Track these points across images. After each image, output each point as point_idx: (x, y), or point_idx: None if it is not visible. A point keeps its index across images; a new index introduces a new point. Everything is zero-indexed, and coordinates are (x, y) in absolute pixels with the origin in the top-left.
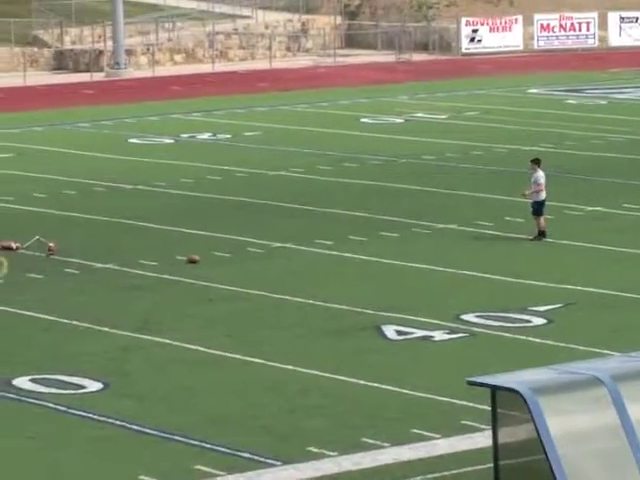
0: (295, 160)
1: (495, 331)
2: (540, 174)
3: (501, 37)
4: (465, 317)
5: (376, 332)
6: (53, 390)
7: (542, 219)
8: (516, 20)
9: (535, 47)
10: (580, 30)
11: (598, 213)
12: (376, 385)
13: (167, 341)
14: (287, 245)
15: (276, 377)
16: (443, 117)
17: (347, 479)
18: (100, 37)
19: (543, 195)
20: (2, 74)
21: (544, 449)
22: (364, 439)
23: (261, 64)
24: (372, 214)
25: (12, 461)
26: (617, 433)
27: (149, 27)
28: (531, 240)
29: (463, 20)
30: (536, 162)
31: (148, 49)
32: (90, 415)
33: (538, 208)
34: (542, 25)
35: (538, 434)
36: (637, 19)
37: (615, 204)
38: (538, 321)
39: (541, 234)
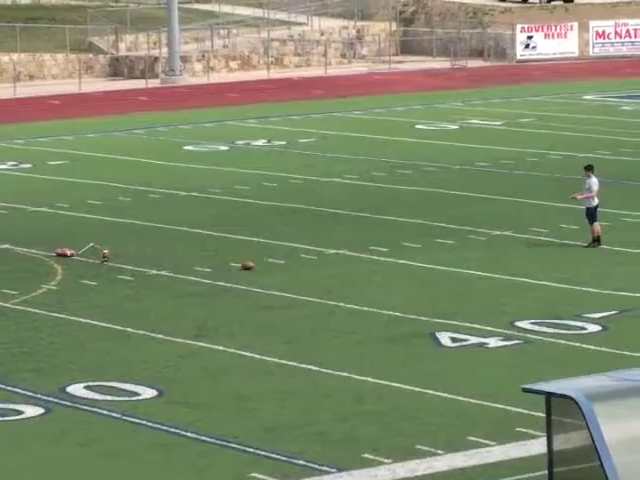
0: (350, 167)
1: (550, 338)
2: (594, 180)
3: (556, 44)
4: (520, 324)
5: (430, 339)
6: (108, 397)
7: (597, 225)
8: (571, 27)
9: (590, 54)
10: (635, 37)
11: None
12: (430, 392)
13: (222, 348)
14: (341, 252)
15: (331, 384)
16: (498, 124)
17: None
18: (155, 44)
19: (596, 201)
20: (58, 80)
21: (599, 456)
22: (418, 446)
23: (316, 71)
24: (427, 221)
25: (66, 469)
26: None
27: (204, 34)
28: (586, 247)
29: (518, 27)
30: (590, 169)
31: (203, 56)
32: (145, 422)
33: (591, 214)
34: (597, 32)
35: (593, 441)
36: None
37: None
38: (593, 328)
39: (596, 240)
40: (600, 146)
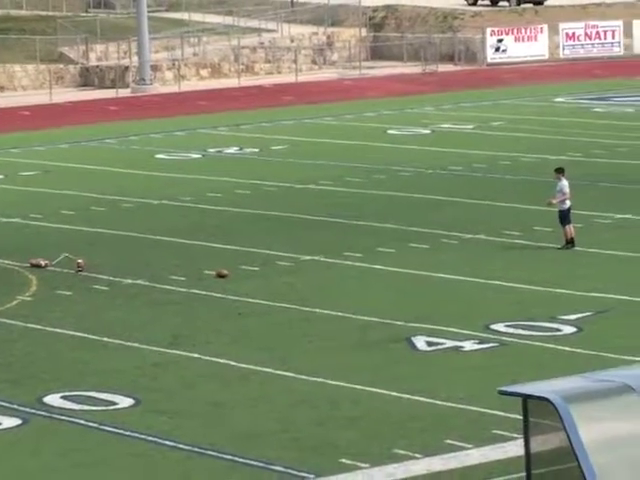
0: (323, 173)
1: (525, 340)
2: (564, 183)
3: (526, 47)
4: (495, 327)
5: (406, 343)
6: (85, 407)
7: (570, 227)
8: (541, 29)
9: (561, 56)
10: (605, 38)
11: (627, 221)
12: (407, 396)
13: (197, 356)
14: (316, 258)
15: (306, 390)
16: (470, 127)
17: None
18: (125, 53)
19: (568, 203)
20: (28, 91)
21: (576, 458)
22: (396, 450)
23: (287, 78)
24: (401, 225)
25: (43, 479)
26: None
27: (174, 42)
28: (559, 249)
29: (488, 30)
30: (560, 171)
31: (174, 64)
32: (122, 431)
33: (564, 216)
34: (567, 34)
35: (570, 443)
36: None
37: None
38: (568, 330)
39: (570, 242)
40: (572, 148)
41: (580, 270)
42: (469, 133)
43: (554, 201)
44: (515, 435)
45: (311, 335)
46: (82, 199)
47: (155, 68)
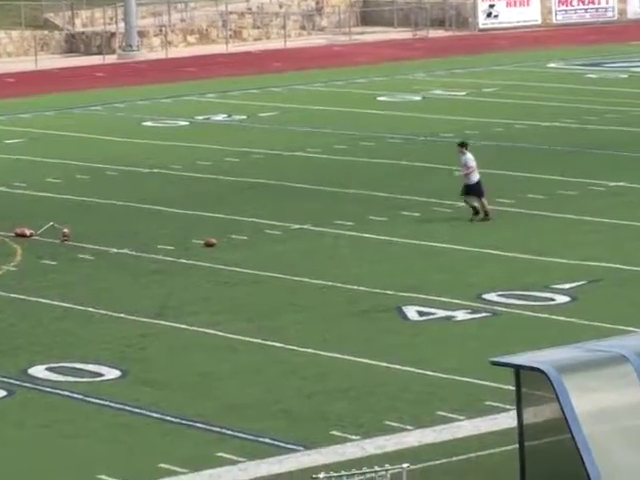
0: (312, 140)
1: (518, 310)
2: (469, 156)
3: (519, 12)
4: (487, 296)
5: (397, 313)
6: (70, 378)
7: (484, 200)
8: None
9: (553, 21)
10: (599, 3)
11: (621, 188)
12: (398, 367)
13: (185, 326)
14: (305, 227)
15: (296, 361)
16: (461, 94)
17: (371, 463)
18: (112, 19)
19: (476, 176)
20: (13, 58)
21: (570, 429)
22: (387, 422)
23: (275, 44)
24: (392, 194)
25: (29, 451)
26: None
27: (161, 8)
28: (471, 220)
29: None
30: (463, 145)
31: (161, 30)
32: (108, 403)
33: (474, 190)
34: None
35: (563, 413)
36: None
37: (638, 179)
38: (562, 299)
39: (485, 214)
40: (565, 115)
41: (574, 238)
42: (461, 99)
43: (459, 173)
44: (508, 406)
45: (300, 305)
46: (68, 167)
47: (142, 34)
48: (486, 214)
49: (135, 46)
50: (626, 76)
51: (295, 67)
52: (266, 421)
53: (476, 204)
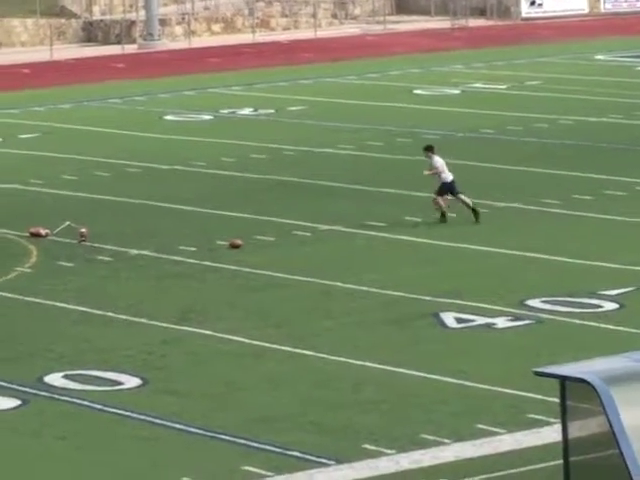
0: (344, 136)
1: (563, 317)
2: (436, 159)
3: (564, 0)
4: (530, 302)
5: (434, 320)
6: (88, 387)
7: (462, 197)
8: None
9: (601, 10)
10: None
11: None
12: (435, 377)
13: (209, 332)
14: (336, 228)
15: (327, 370)
16: (503, 87)
17: (406, 478)
18: (132, 6)
19: (448, 176)
20: (27, 48)
21: (617, 444)
22: (423, 435)
23: (305, 33)
24: (428, 193)
25: (44, 464)
26: None
27: None
28: (440, 220)
29: None
30: (429, 149)
31: (183, 18)
32: (128, 413)
33: (446, 189)
34: None
35: (611, 427)
36: None
37: None
38: (609, 306)
39: (443, 217)
40: (613, 110)
41: (621, 241)
42: (502, 93)
43: (427, 172)
44: (552, 419)
45: (332, 311)
46: (85, 163)
47: (163, 23)
48: (474, 211)
49: (156, 35)
50: None
51: (326, 58)
52: (295, 433)
53: (443, 205)
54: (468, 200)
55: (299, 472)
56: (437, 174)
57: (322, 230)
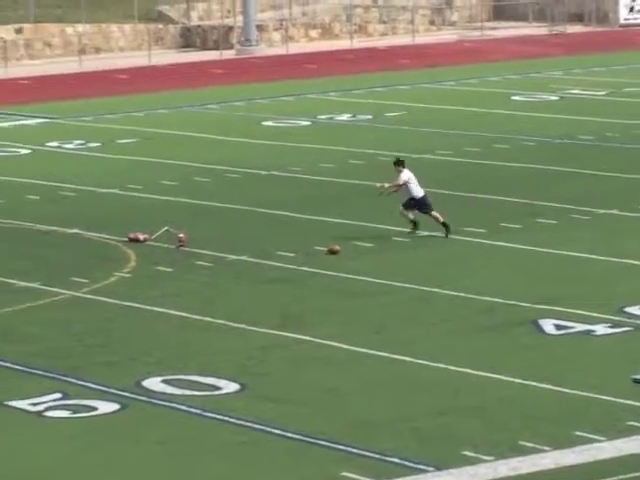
0: (441, 142)
1: None
2: (405, 173)
3: None
4: (630, 309)
5: (533, 327)
6: (186, 392)
7: (434, 214)
8: None
9: None
10: None
11: None
12: (534, 384)
13: (308, 338)
14: (434, 234)
15: (426, 376)
16: (601, 94)
17: None
18: (229, 12)
19: (419, 192)
20: (125, 53)
21: None
22: (522, 442)
23: (403, 39)
24: (526, 199)
25: (144, 468)
26: None
27: (282, 1)
28: (409, 233)
29: None
30: (399, 163)
31: (281, 24)
32: (227, 418)
33: (414, 204)
34: None
35: None
36: None
37: None
38: None
39: (414, 226)
40: None
41: None
42: (601, 100)
43: (386, 185)
44: None
45: (431, 317)
46: (184, 169)
47: (261, 28)
48: (445, 225)
49: (254, 41)
50: None
51: (423, 64)
52: (394, 440)
53: (412, 217)
54: (439, 215)
55: (398, 478)
56: (398, 189)
57: (421, 236)
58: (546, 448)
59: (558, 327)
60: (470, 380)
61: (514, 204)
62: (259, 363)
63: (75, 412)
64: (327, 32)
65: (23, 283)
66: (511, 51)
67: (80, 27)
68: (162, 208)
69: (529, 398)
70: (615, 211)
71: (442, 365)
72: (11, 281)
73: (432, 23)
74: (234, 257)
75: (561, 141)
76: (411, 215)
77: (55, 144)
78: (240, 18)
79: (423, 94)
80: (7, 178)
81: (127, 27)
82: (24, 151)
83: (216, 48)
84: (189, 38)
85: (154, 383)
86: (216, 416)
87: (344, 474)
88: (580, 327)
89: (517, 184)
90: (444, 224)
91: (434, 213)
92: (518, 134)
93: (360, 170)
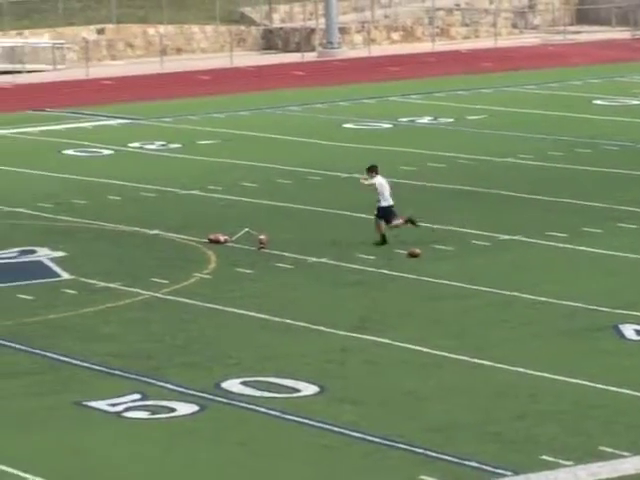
0: (524, 146)
1: None
2: (379, 180)
3: None
4: None
5: (613, 332)
6: (266, 394)
7: (382, 225)
8: None
9: None
10: None
11: None
12: (614, 389)
13: (387, 341)
14: (516, 237)
15: (506, 380)
16: None
17: None
18: (312, 14)
19: (387, 201)
20: (207, 54)
21: None
22: (602, 447)
23: (485, 42)
24: (609, 204)
25: (224, 469)
26: None
27: (364, 3)
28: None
29: None
30: (372, 169)
31: (363, 27)
32: (306, 421)
33: (381, 214)
34: None
35: None
36: None
37: None
38: None
39: (383, 239)
40: None
41: None
42: None
43: (364, 181)
44: None
45: (510, 321)
46: (265, 170)
47: (343, 31)
48: (411, 221)
49: (336, 43)
50: None
51: (506, 67)
52: (473, 443)
53: (382, 229)
54: (399, 221)
55: None
56: (373, 190)
57: (501, 240)
58: (626, 454)
59: (639, 332)
60: (549, 384)
61: (596, 209)
62: (338, 366)
63: (154, 413)
64: (409, 35)
65: (103, 283)
66: (593, 55)
67: (162, 28)
68: (242, 209)
69: (608, 403)
70: None
71: (521, 369)
72: (92, 281)
73: (515, 26)
74: (314, 259)
75: None
76: (382, 229)
77: (137, 145)
78: (322, 20)
79: (505, 97)
80: (89, 179)
81: (209, 28)
82: (106, 152)
83: (298, 50)
84: (271, 40)
85: (233, 385)
86: (295, 418)
87: (422, 477)
88: None
89: (599, 188)
90: (409, 220)
91: (395, 222)
92: (600, 138)
93: (441, 173)
